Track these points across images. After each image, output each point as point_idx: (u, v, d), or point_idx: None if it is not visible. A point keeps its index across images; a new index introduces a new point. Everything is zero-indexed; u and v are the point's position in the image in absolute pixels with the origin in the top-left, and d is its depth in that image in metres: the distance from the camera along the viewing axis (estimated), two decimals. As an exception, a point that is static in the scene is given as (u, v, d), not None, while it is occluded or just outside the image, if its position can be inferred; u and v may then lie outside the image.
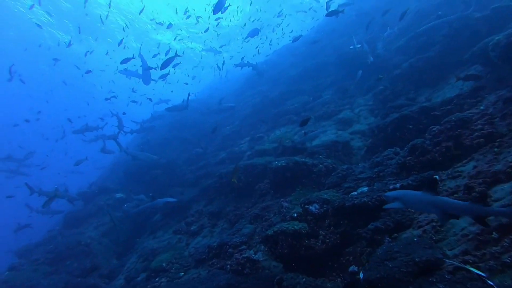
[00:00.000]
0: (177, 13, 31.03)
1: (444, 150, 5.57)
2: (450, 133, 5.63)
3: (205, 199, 12.47)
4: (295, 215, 6.14)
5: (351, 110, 13.30)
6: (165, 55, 21.29)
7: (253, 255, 7.13)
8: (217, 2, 11.40)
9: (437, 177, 4.69)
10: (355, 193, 5.72)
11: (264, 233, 6.62)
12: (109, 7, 30.31)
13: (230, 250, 7.74)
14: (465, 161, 5.05)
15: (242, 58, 23.20)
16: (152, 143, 21.52)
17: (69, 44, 24.09)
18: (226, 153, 15.84)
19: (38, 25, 27.95)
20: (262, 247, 7.28)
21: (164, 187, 15.58)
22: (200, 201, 12.59)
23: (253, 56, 27.71)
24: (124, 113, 20.42)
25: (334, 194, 6.16)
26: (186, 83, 29.95)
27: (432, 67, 10.30)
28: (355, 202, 5.23)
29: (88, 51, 25.01)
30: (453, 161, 5.31)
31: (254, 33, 20.02)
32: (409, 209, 4.73)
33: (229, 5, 11.88)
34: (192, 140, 20.60)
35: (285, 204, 8.04)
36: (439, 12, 13.24)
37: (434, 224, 4.28)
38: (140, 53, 19.92)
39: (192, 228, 10.59)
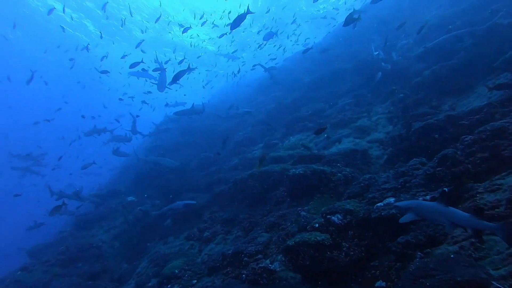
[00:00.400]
0: (194, 18, 31.04)
1: (478, 161, 5.29)
2: (485, 144, 5.35)
3: (217, 205, 12.26)
4: (317, 225, 5.88)
5: (369, 118, 13.01)
6: (179, 63, 21.38)
7: (269, 265, 6.88)
8: (234, 20, 11.17)
9: (445, 189, 4.41)
10: (381, 204, 5.44)
11: (284, 243, 6.37)
12: (131, 15, 30.50)
13: (246, 259, 7.50)
14: (504, 173, 4.76)
15: (254, 66, 23.16)
16: (164, 147, 21.43)
17: (87, 48, 24.29)
18: (239, 159, 15.64)
19: (62, 27, 28.25)
20: (279, 257, 7.04)
21: (175, 192, 15.38)
22: (212, 207, 12.38)
23: (266, 62, 27.67)
24: (137, 116, 20.37)
25: (358, 205, 5.89)
26: (203, 87, 30.05)
27: (456, 75, 10.00)
28: (382, 213, 4.97)
29: (105, 56, 25.18)
30: (490, 173, 5.03)
31: (270, 36, 19.92)
32: (423, 220, 4.60)
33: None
34: (203, 145, 20.47)
35: (303, 213, 7.79)
36: (458, 22, 12.98)
37: (472, 240, 3.99)
38: (156, 59, 19.96)
39: (205, 235, 10.38)
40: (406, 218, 4.25)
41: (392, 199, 5.38)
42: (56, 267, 11.79)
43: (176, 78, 12.83)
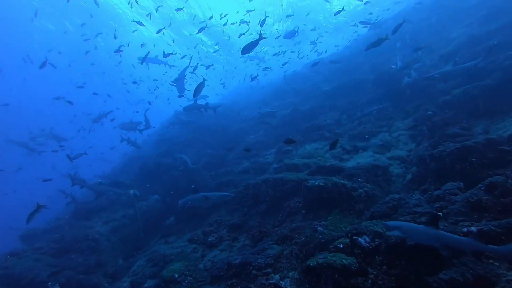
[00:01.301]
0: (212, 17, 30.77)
1: (534, 193, 4.73)
2: (541, 174, 4.79)
3: (225, 209, 11.70)
4: (341, 246, 5.31)
5: (389, 133, 12.45)
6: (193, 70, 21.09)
7: (280, 282, 6.32)
8: (247, 45, 10.60)
9: (440, 214, 4.53)
10: (416, 230, 4.88)
11: (299, 260, 5.82)
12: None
13: (254, 272, 6.93)
14: None
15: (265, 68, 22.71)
16: (173, 143, 20.95)
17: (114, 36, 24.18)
18: (250, 163, 15.11)
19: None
20: (291, 273, 6.48)
21: (182, 190, 14.89)
22: (220, 210, 11.83)
23: (281, 66, 27.27)
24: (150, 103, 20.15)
25: (387, 228, 5.32)
26: (223, 84, 29.76)
27: (491, 97, 9.40)
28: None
29: (120, 49, 24.90)
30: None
31: (291, 35, 19.47)
32: (408, 239, 4.71)
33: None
34: (214, 144, 19.95)
35: (320, 228, 7.22)
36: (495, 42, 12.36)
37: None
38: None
39: (209, 239, 9.81)
40: (392, 233, 4.66)
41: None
42: (48, 256, 11.29)
43: (197, 92, 12.69)
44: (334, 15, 21.94)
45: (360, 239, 5.23)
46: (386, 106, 14.50)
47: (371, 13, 34.23)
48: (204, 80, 15.47)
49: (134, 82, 23.21)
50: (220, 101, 33.83)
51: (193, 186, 10.92)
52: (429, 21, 20.67)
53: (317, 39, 30.13)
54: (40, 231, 14.26)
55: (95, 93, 22.07)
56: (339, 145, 12.58)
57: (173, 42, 35.52)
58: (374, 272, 4.78)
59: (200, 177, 15.76)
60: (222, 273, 7.71)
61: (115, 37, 23.81)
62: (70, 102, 19.13)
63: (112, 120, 20.84)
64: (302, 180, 9.46)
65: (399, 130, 12.48)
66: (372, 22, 24.27)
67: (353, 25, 33.46)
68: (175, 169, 16.33)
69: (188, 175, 16.09)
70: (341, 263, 4.76)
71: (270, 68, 24.02)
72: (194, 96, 11.88)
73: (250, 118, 22.47)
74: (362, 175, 8.98)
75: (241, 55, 11.22)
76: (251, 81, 24.09)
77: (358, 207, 7.81)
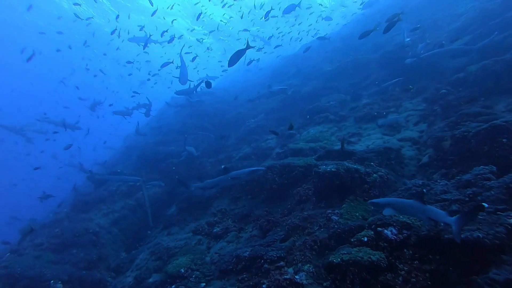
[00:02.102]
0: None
1: None
2: None
3: (228, 197, 11.25)
4: (366, 239, 4.83)
5: (398, 114, 11.90)
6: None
7: (295, 277, 5.87)
8: (233, 56, 9.80)
9: (424, 190, 5.24)
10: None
11: (326, 259, 5.35)
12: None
13: (266, 265, 6.49)
14: None
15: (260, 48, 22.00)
16: (170, 130, 20.34)
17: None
18: (251, 148, 14.57)
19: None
20: (306, 266, 6.03)
21: (181, 178, 14.37)
22: (223, 199, 11.38)
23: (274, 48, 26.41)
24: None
25: (414, 218, 4.84)
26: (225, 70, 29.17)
27: (511, 73, 8.84)
28: (462, 236, 3.91)
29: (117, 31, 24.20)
30: None
31: (291, 8, 18.72)
32: (401, 214, 4.89)
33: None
34: (212, 129, 19.36)
35: (335, 217, 6.77)
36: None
37: None
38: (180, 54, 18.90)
39: (214, 230, 9.36)
40: (387, 212, 4.71)
41: (467, 216, 4.31)
42: (49, 252, 10.83)
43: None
44: None
45: (386, 231, 4.75)
46: (392, 87, 13.93)
47: None
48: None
49: (129, 62, 22.46)
50: (217, 84, 33.03)
51: (223, 166, 10.13)
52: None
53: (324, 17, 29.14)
54: (38, 225, 13.76)
55: (87, 68, 21.27)
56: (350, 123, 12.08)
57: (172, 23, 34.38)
58: (405, 268, 4.31)
59: (199, 164, 15.26)
60: (231, 267, 7.28)
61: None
62: (77, 87, 18.51)
63: (110, 105, 20.23)
64: (310, 165, 8.96)
65: (408, 111, 11.94)
66: None
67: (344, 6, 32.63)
68: (173, 157, 15.80)
69: (187, 162, 15.58)
70: (369, 259, 4.28)
71: (263, 47, 23.25)
72: (181, 82, 11.30)
73: (274, 93, 21.88)
74: (374, 159, 8.49)
75: (228, 67, 10.45)
76: (247, 65, 23.43)
77: (373, 193, 7.33)
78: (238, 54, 9.73)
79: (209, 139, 18.13)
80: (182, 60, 17.41)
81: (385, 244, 4.69)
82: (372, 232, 4.90)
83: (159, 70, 19.79)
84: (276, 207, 9.08)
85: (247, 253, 7.12)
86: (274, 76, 24.45)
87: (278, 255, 6.58)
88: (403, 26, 17.22)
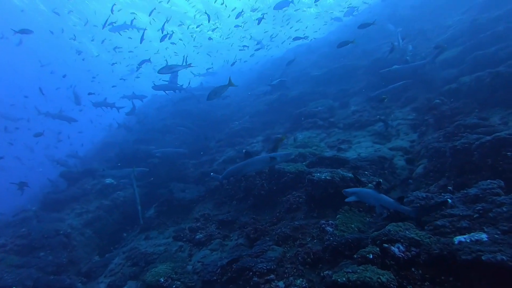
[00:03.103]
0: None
1: None
2: None
3: (212, 201, 10.74)
4: (371, 256, 4.44)
5: (385, 124, 11.70)
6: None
7: (287, 292, 5.45)
8: (212, 92, 9.36)
9: (380, 180, 6.28)
10: (463, 238, 4.06)
11: (329, 278, 4.92)
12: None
13: (256, 279, 6.00)
14: None
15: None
16: (151, 129, 19.61)
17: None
18: (236, 152, 14.09)
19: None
20: (299, 281, 5.62)
21: (161, 179, 13.75)
22: (206, 203, 10.85)
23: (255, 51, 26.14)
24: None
25: (423, 234, 4.49)
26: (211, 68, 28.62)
27: (505, 85, 8.74)
28: (484, 258, 3.57)
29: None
30: None
31: (284, 4, 18.41)
32: (363, 201, 5.94)
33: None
34: (195, 130, 18.77)
35: (329, 229, 6.38)
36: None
37: None
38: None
39: (197, 237, 8.80)
40: (350, 199, 5.88)
41: (484, 236, 3.98)
42: (12, 254, 9.97)
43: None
44: (314, 2, 21.27)
45: (393, 247, 4.38)
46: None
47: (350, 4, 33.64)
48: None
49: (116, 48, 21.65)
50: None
51: (244, 150, 9.49)
52: (422, 9, 19.98)
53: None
54: (2, 224, 12.77)
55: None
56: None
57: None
58: (415, 290, 3.94)
59: (181, 166, 14.65)
60: (215, 278, 6.78)
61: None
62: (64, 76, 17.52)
63: (89, 94, 19.20)
64: (301, 172, 8.58)
65: (398, 119, 11.78)
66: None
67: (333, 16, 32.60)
68: (154, 157, 15.12)
69: (168, 163, 14.97)
70: (379, 280, 3.88)
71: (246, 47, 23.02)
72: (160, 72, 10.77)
73: (235, 103, 21.41)
74: (368, 168, 8.19)
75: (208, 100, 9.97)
76: (231, 66, 23.03)
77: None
78: (219, 90, 9.29)
79: (191, 141, 17.54)
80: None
81: (392, 262, 4.31)
82: (378, 249, 4.51)
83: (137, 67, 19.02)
84: (264, 215, 8.63)
85: (234, 263, 6.64)
86: (259, 79, 24.08)
87: (268, 267, 6.12)
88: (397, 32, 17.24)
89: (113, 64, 28.00)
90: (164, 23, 16.12)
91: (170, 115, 21.21)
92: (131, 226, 12.33)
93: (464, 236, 4.15)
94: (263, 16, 17.08)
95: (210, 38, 45.95)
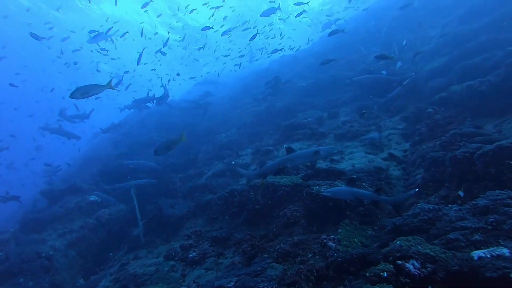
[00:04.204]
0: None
1: None
2: None
3: (203, 217, 10.36)
4: (385, 274, 4.20)
5: (379, 133, 11.65)
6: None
7: (292, 314, 5.15)
8: (163, 145, 9.44)
9: (354, 176, 7.31)
10: (482, 253, 3.88)
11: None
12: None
13: (257, 301, 5.70)
14: None
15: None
16: (134, 142, 19.11)
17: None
18: (225, 165, 13.77)
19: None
20: (303, 302, 5.34)
21: (148, 194, 13.27)
22: (196, 219, 10.47)
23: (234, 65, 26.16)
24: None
25: (437, 249, 4.29)
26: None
27: (497, 94, 8.79)
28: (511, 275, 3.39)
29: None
30: None
31: (271, 11, 18.46)
32: (337, 197, 6.50)
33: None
34: (180, 143, 18.33)
35: (331, 244, 6.12)
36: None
37: None
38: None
39: (190, 255, 8.39)
40: (325, 194, 6.47)
41: (505, 250, 3.81)
42: (-12, 281, 9.34)
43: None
44: (295, 16, 21.50)
45: (407, 264, 4.15)
46: (369, 105, 13.80)
47: (330, 15, 34.13)
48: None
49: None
50: (184, 97, 32.06)
51: (285, 146, 8.99)
52: (403, 20, 20.30)
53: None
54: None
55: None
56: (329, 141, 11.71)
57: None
58: (434, 310, 3.72)
59: (168, 180, 14.21)
60: (212, 300, 6.41)
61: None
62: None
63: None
64: (297, 185, 8.34)
65: (389, 129, 11.76)
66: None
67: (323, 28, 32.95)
68: (139, 171, 14.64)
69: (154, 179, 14.52)
70: (398, 302, 3.65)
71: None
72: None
73: (220, 114, 21.14)
74: (365, 179, 8.01)
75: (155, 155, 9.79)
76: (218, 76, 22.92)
77: (369, 217, 6.81)
78: (170, 145, 9.18)
79: (177, 154, 17.11)
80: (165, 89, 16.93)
81: (407, 280, 4.08)
82: (392, 266, 4.28)
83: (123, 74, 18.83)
84: (259, 230, 8.31)
85: (232, 284, 6.28)
86: (245, 91, 23.95)
87: (269, 287, 5.82)
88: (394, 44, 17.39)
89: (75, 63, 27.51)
90: (141, 53, 15.79)
91: (155, 128, 20.77)
92: (117, 245, 11.80)
93: (483, 250, 3.97)
94: (257, 32, 17.07)
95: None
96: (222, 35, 24.34)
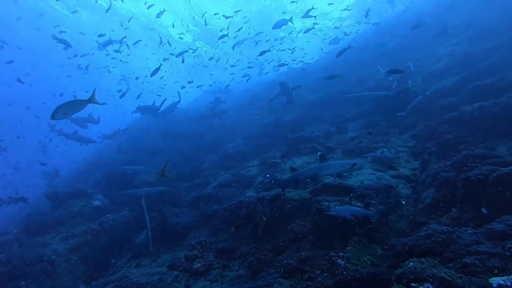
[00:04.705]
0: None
1: None
2: None
3: (208, 228, 10.27)
4: (400, 297, 4.12)
5: (388, 150, 11.60)
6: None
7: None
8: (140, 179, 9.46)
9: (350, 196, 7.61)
10: (502, 281, 3.79)
11: None
12: None
13: (264, 317, 5.60)
14: None
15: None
16: (141, 149, 19.12)
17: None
18: (231, 175, 13.73)
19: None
20: (310, 320, 5.23)
21: (152, 201, 13.18)
22: (201, 230, 10.38)
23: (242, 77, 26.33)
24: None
25: (453, 273, 4.21)
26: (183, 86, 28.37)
27: (510, 115, 8.74)
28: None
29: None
30: None
31: (282, 23, 18.56)
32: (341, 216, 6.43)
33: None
34: (187, 152, 18.38)
35: (341, 261, 6.03)
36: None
37: None
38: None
39: (195, 266, 8.29)
40: (331, 213, 6.53)
41: (523, 277, 3.74)
42: (-11, 284, 9.26)
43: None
44: (304, 32, 21.74)
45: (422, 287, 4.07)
46: (378, 121, 13.76)
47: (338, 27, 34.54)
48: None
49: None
50: (191, 105, 32.25)
51: (319, 153, 8.89)
52: (412, 38, 20.40)
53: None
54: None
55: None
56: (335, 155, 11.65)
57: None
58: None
59: (173, 188, 14.17)
60: (217, 313, 6.31)
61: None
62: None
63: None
64: (306, 200, 8.29)
65: (397, 146, 11.69)
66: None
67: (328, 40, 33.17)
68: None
69: (159, 185, 14.48)
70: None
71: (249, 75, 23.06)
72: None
73: (228, 124, 21.17)
74: (375, 196, 7.92)
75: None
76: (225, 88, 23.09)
77: (378, 235, 6.72)
78: (148, 178, 9.16)
79: (183, 162, 17.11)
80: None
81: (422, 304, 4.00)
82: (404, 288, 4.20)
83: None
84: (265, 244, 8.22)
85: (239, 298, 6.21)
86: (253, 101, 24.02)
87: (276, 303, 5.73)
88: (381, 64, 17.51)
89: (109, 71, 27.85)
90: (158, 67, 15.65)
91: (161, 135, 20.82)
92: (120, 252, 11.72)
93: (502, 278, 3.88)
94: (268, 49, 17.19)
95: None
96: (233, 48, 24.39)
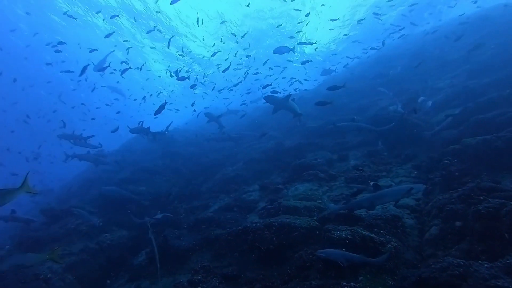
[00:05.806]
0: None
1: None
2: None
3: (210, 252, 10.14)
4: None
5: (391, 180, 11.72)
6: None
7: None
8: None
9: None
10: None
11: None
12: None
13: None
14: None
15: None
16: (140, 167, 19.02)
17: None
18: (232, 199, 13.68)
19: None
20: None
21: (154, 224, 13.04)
22: (203, 253, 10.23)
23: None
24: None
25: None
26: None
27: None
28: None
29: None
30: None
31: (284, 50, 18.75)
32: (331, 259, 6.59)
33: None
34: (186, 173, 18.33)
35: (353, 293, 6.00)
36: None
37: None
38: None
39: (199, 292, 8.15)
40: (319, 254, 6.82)
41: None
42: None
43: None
44: (301, 64, 22.28)
45: (443, 322, 4.08)
46: (380, 150, 13.94)
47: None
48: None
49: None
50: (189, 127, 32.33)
51: (372, 183, 8.87)
52: (412, 70, 20.96)
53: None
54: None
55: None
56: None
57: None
58: None
59: (172, 209, 14.09)
60: None
61: None
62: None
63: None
64: (314, 228, 8.28)
65: (400, 177, 11.80)
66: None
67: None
68: (144, 200, 14.52)
69: (158, 206, 14.38)
70: None
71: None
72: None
73: (227, 147, 21.24)
74: (382, 226, 7.97)
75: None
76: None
77: (388, 265, 6.70)
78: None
79: (182, 183, 17.05)
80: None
81: None
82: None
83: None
84: (272, 271, 8.12)
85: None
86: (253, 126, 24.20)
87: (289, 333, 5.64)
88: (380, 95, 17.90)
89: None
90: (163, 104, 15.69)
91: (160, 156, 20.76)
92: (116, 273, 11.47)
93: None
94: (270, 84, 17.71)
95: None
96: (223, 72, 25.03)
